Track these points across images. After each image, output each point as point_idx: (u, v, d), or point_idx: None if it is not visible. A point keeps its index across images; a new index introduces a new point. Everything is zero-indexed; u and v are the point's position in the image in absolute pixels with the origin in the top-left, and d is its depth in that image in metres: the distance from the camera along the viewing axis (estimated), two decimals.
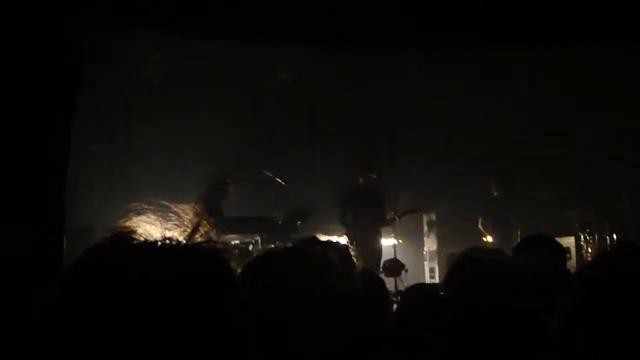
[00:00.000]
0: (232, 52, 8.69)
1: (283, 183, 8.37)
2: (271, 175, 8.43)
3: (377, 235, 8.08)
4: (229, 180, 8.07)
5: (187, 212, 1.18)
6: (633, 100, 8.89)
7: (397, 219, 8.26)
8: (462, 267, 2.08)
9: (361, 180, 8.14)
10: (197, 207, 1.23)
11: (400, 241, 8.61)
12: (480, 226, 8.82)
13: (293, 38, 7.84)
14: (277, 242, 7.65)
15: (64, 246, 4.56)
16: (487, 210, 8.80)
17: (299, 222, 7.88)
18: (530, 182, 9.37)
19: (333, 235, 8.33)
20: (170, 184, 7.75)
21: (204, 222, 1.17)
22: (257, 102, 9.12)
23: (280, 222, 7.74)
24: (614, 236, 8.82)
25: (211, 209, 7.37)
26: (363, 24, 7.14)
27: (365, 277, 1.95)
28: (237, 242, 7.63)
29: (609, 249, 8.69)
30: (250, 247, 7.75)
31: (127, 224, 1.11)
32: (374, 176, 8.07)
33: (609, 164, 8.99)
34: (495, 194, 8.83)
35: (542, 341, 1.85)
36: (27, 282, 3.74)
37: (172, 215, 1.18)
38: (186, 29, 7.59)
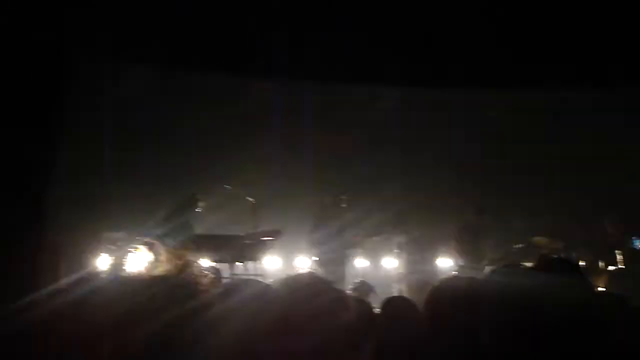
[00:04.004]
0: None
1: (252, 201, 8.25)
2: (241, 193, 8.33)
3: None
4: (198, 197, 7.79)
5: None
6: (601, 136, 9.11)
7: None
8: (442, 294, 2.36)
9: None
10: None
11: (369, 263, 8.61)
12: (453, 250, 8.82)
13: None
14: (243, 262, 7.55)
15: None
16: (461, 235, 8.79)
17: (268, 242, 7.77)
18: (505, 210, 9.44)
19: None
20: (140, 199, 7.61)
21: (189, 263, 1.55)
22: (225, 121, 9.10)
23: (249, 242, 7.59)
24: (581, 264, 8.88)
25: (181, 224, 7.21)
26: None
27: None
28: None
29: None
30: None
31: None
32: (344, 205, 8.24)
33: (582, 195, 9.14)
34: (472, 219, 8.84)
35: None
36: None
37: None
38: None
